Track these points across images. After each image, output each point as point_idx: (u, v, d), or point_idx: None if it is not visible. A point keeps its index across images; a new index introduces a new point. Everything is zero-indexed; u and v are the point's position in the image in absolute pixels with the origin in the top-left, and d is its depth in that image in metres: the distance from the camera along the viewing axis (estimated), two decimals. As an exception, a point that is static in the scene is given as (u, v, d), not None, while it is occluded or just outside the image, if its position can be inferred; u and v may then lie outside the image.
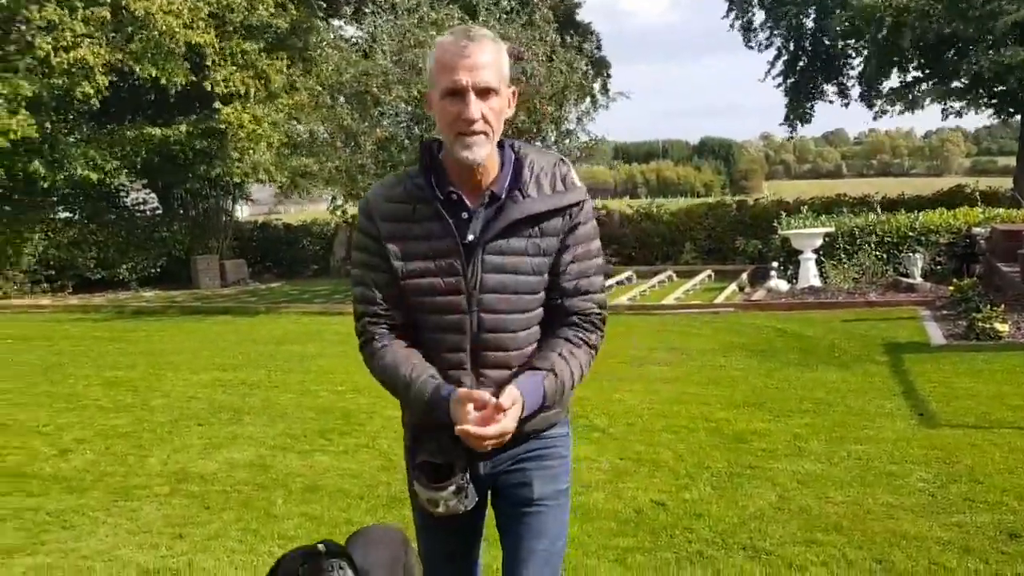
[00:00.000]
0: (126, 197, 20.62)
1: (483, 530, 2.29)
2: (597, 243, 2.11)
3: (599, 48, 28.23)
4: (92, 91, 16.38)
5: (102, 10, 16.20)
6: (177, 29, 16.46)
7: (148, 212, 21.01)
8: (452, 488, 2.00)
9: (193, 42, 16.58)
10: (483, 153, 1.95)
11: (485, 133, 1.94)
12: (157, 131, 17.92)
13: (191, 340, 11.47)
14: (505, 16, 14.78)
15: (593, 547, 4.06)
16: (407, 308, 2.07)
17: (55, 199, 19.04)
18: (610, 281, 16.56)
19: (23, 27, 15.80)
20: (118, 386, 8.43)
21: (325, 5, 21.16)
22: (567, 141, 15.54)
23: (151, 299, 17.25)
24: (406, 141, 14.06)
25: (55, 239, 18.57)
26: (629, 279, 17.12)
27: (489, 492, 2.19)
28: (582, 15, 28.99)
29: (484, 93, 1.93)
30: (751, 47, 24.98)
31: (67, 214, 19.31)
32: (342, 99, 13.96)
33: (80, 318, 14.60)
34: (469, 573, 2.28)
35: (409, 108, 14.01)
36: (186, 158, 18.40)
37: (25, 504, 5.03)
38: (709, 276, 16.68)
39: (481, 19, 14.78)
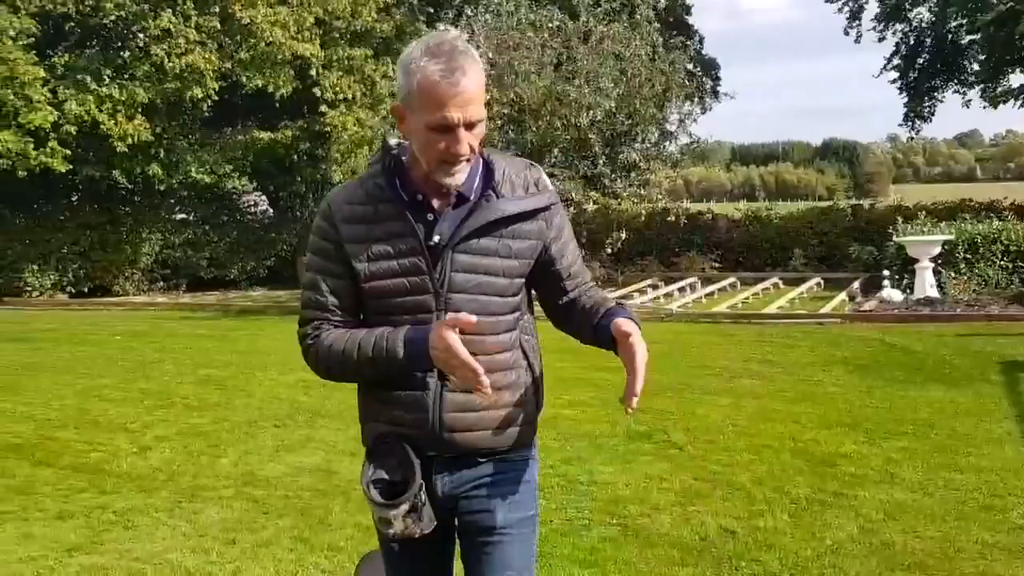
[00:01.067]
0: (238, 200, 21.30)
1: (452, 561, 2.15)
2: (573, 236, 2.12)
3: (700, 49, 27.51)
4: (202, 95, 16.99)
5: (213, 19, 16.76)
6: (283, 40, 16.89)
7: (259, 214, 21.67)
8: (405, 507, 1.90)
9: (299, 53, 16.99)
10: (464, 176, 1.91)
11: (468, 160, 1.89)
12: (265, 135, 18.50)
13: (286, 340, 11.62)
14: (606, 16, 14.54)
15: (647, 574, 3.79)
16: (358, 316, 2.01)
17: (172, 201, 19.85)
18: (711, 288, 16.07)
19: (140, 35, 16.49)
20: (208, 384, 8.61)
21: (432, 10, 21.40)
22: (668, 144, 15.16)
23: (257, 299, 17.77)
24: (499, 143, 13.96)
25: (171, 239, 19.38)
26: (732, 286, 16.57)
27: (454, 520, 2.07)
28: (696, 14, 28.40)
29: (472, 125, 1.86)
30: (857, 41, 23.62)
31: (182, 216, 20.06)
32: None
33: (187, 316, 15.13)
34: None
35: (504, 111, 13.91)
36: (292, 161, 18.90)
37: (96, 502, 5.11)
38: (818, 284, 15.94)
39: (581, 20, 14.59)
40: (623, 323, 1.90)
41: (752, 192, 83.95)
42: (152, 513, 4.88)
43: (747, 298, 14.71)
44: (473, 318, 1.81)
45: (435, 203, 1.94)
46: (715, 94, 28.86)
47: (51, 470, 5.78)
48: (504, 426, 1.98)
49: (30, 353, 11.16)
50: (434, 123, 1.83)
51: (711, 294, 15.65)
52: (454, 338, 1.78)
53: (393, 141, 2.01)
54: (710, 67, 28.15)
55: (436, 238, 1.92)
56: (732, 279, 16.92)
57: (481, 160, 1.97)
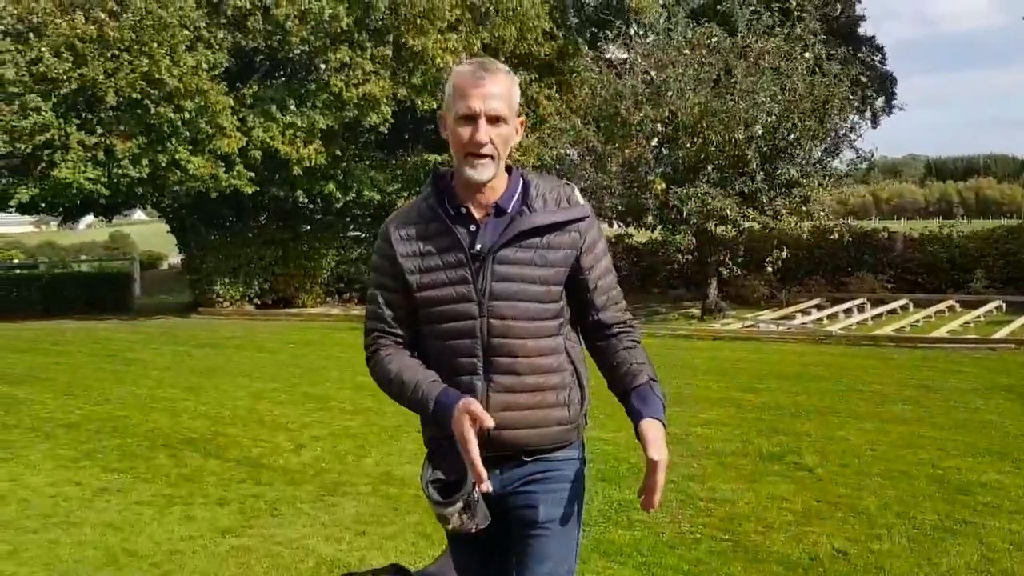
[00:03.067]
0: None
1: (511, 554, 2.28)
2: (608, 254, 2.24)
3: (877, 60, 26.26)
4: (378, 120, 18.06)
5: (386, 48, 17.78)
6: (453, 65, 17.66)
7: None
8: (459, 505, 2.05)
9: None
10: (488, 173, 2.11)
11: (492, 156, 2.10)
12: (435, 157, 19.37)
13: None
14: (765, 31, 14.30)
15: (748, 590, 3.82)
16: (413, 327, 2.22)
17: (347, 220, 21.11)
18: (880, 309, 15.37)
19: (322, 67, 17.72)
20: (363, 390, 9.17)
21: (595, 30, 21.73)
22: (831, 160, 14.66)
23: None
24: (653, 161, 14.01)
25: (346, 255, 20.64)
26: (904, 307, 15.77)
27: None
28: (883, 22, 27.21)
29: (494, 120, 2.08)
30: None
31: (356, 232, 21.28)
32: (590, 121, 14.19)
33: (356, 327, 15.99)
34: None
35: (660, 128, 13.95)
36: (458, 181, 19.63)
37: (251, 491, 5.64)
38: (999, 308, 14.92)
39: (740, 35, 14.42)
40: (650, 444, 2.01)
41: (949, 209, 78.80)
42: (297, 504, 5.34)
43: (918, 321, 13.97)
44: (490, 423, 1.98)
45: (476, 214, 2.14)
46: (889, 108, 27.56)
47: (218, 462, 6.41)
48: (546, 425, 2.13)
49: (214, 358, 12.25)
50: (459, 113, 2.08)
51: (879, 316, 14.97)
52: (468, 430, 1.97)
53: (443, 169, 2.27)
54: (884, 79, 26.89)
55: (478, 246, 2.11)
56: (904, 300, 16.09)
57: (521, 179, 2.19)
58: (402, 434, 7.11)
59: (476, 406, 2.00)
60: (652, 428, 2.04)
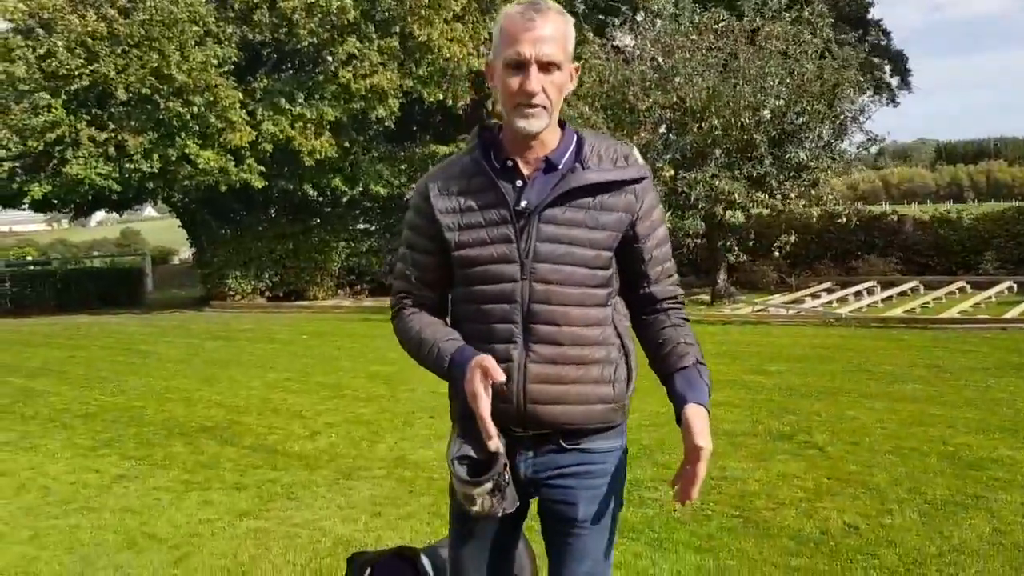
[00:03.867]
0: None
1: (519, 542, 2.22)
2: (665, 225, 2.08)
3: (884, 43, 26.11)
4: (386, 113, 18.12)
5: (393, 39, 17.81)
6: (460, 56, 17.70)
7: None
8: (489, 484, 1.87)
9: (475, 68, 17.74)
10: (540, 125, 1.91)
11: (544, 107, 1.90)
12: (443, 148, 19.42)
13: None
14: (772, 15, 14.26)
15: (760, 563, 3.86)
16: (444, 290, 2.08)
17: (357, 212, 21.18)
18: (892, 291, 15.36)
19: (329, 59, 17.77)
20: (376, 379, 9.24)
21: (602, 17, 21.66)
22: (840, 142, 14.62)
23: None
24: (661, 147, 14.00)
25: (356, 247, 20.72)
26: (914, 289, 15.75)
27: (534, 502, 2.08)
28: (896, 7, 27.14)
29: (546, 67, 1.89)
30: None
31: (365, 225, 21.36)
32: (597, 108, 14.18)
33: (367, 318, 16.13)
34: None
35: (668, 113, 13.94)
36: (467, 172, 19.70)
37: (268, 476, 5.71)
38: (1010, 289, 14.88)
39: (747, 19, 14.39)
40: (697, 432, 1.87)
41: (960, 193, 78.29)
42: (313, 488, 5.41)
43: (928, 302, 13.95)
44: (501, 377, 1.84)
45: (524, 169, 1.96)
46: (906, 85, 27.42)
47: (234, 449, 6.48)
48: (588, 402, 1.95)
49: (227, 350, 12.35)
50: (509, 59, 1.88)
51: (889, 298, 14.97)
52: (479, 385, 1.83)
53: (490, 122, 2.07)
54: (897, 60, 26.76)
55: (524, 203, 1.93)
56: (914, 283, 16.07)
57: (575, 136, 2.00)
58: (415, 420, 7.18)
59: (490, 361, 1.85)
60: (698, 416, 1.88)
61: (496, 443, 1.87)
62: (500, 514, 1.92)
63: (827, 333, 11.44)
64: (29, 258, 32.56)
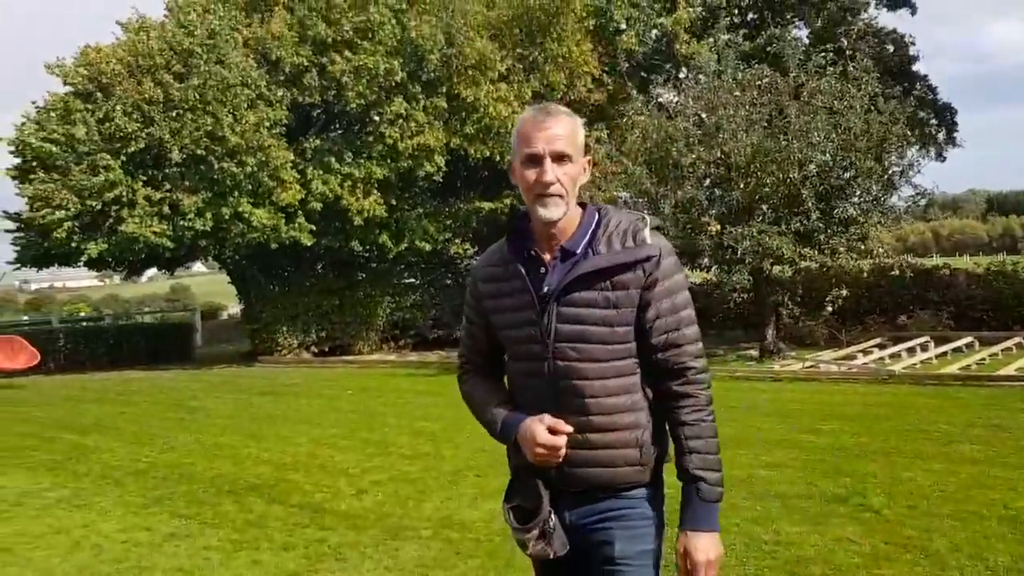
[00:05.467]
0: (461, 264, 22.58)
1: None
2: (684, 295, 2.20)
3: (931, 96, 25.97)
4: (432, 170, 18.42)
5: (440, 99, 18.17)
6: (505, 114, 17.99)
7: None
8: (535, 532, 2.14)
9: (519, 125, 17.99)
10: (558, 212, 2.16)
11: (560, 195, 2.15)
12: (487, 204, 19.63)
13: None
14: (817, 70, 14.29)
15: (818, 634, 3.75)
16: (495, 356, 2.39)
17: (401, 267, 21.40)
18: (945, 347, 15.02)
19: (376, 119, 18.16)
20: (421, 435, 9.24)
21: (644, 75, 21.91)
22: (889, 196, 14.47)
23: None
24: (706, 202, 13.99)
25: (400, 302, 20.90)
26: (969, 345, 15.38)
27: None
28: (940, 59, 27.12)
29: (559, 159, 2.14)
30: None
31: (410, 280, 21.55)
32: (641, 164, 14.24)
33: (412, 373, 16.20)
34: None
35: (712, 168, 13.95)
36: (511, 227, 19.86)
37: (315, 536, 5.72)
38: (1070, 343, 14.46)
39: (792, 75, 14.43)
40: (692, 554, 2.13)
41: (1013, 244, 76.79)
42: (361, 548, 5.40)
43: (984, 359, 13.61)
44: (569, 428, 2.13)
45: (546, 257, 2.20)
46: (952, 141, 27.19)
47: (282, 507, 6.51)
48: (615, 465, 2.16)
49: (274, 405, 12.46)
50: (524, 156, 2.16)
51: (944, 354, 14.62)
52: (541, 430, 2.14)
53: (524, 208, 2.32)
54: (944, 112, 26.56)
55: (545, 288, 2.17)
56: (969, 338, 15.69)
57: (595, 216, 2.21)
58: (461, 479, 7.15)
59: (550, 419, 2.15)
60: (692, 546, 2.13)
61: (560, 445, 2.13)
62: (551, 556, 2.17)
63: (880, 391, 11.20)
64: (82, 314, 33.36)
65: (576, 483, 2.18)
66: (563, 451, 2.13)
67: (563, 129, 2.15)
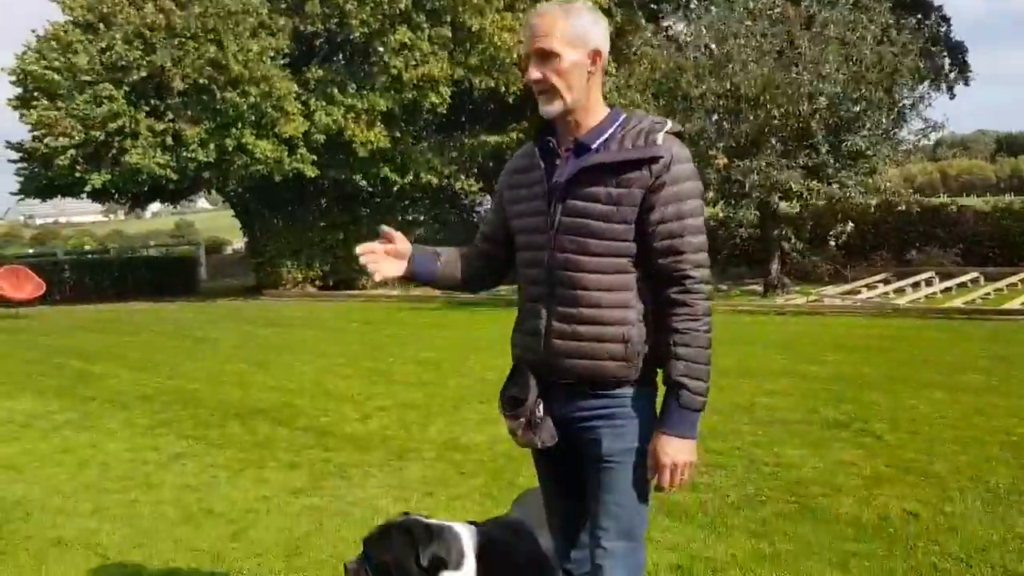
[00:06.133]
0: (464, 200, 22.46)
1: (584, 485, 2.31)
2: (692, 203, 2.14)
3: (945, 30, 25.45)
4: (438, 101, 18.19)
5: (444, 28, 17.85)
6: (511, 43, 17.69)
7: (484, 213, 22.73)
8: (522, 420, 2.22)
9: (526, 55, 17.73)
10: (553, 107, 2.18)
11: (548, 91, 2.16)
12: (492, 138, 19.42)
13: (499, 327, 12.15)
14: (828, 1, 13.98)
15: (817, 548, 3.80)
16: (495, 245, 2.47)
17: (406, 203, 21.29)
18: (950, 283, 15.00)
19: (380, 49, 17.87)
20: (426, 365, 9.29)
21: (655, 6, 21.48)
22: (899, 130, 14.29)
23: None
24: (714, 135, 13.82)
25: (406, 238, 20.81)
26: (975, 281, 15.36)
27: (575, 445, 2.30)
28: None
29: (543, 56, 2.15)
30: None
31: (415, 215, 21.45)
32: (649, 97, 14.04)
33: (416, 307, 16.23)
34: (575, 518, 2.38)
35: (721, 101, 13.75)
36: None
37: (320, 456, 5.77)
38: (1076, 280, 14.41)
39: (803, 5, 14.13)
40: (658, 454, 2.15)
41: (1021, 186, 76.15)
42: (366, 468, 5.45)
43: (989, 293, 13.60)
44: (396, 235, 2.32)
45: (562, 151, 2.23)
46: (964, 79, 26.78)
47: (287, 430, 6.57)
48: (599, 359, 2.16)
49: (279, 336, 12.52)
50: (524, 57, 2.22)
51: (948, 290, 14.62)
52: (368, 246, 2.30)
53: None
54: (956, 50, 26.09)
55: (555, 179, 2.21)
56: (974, 274, 15.66)
57: (620, 117, 2.22)
58: (465, 405, 7.19)
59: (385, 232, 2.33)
60: (660, 448, 2.14)
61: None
62: (539, 446, 2.24)
63: (885, 324, 11.20)
64: (88, 247, 33.39)
65: (563, 374, 2.20)
66: (375, 261, 2.28)
67: (547, 26, 2.14)
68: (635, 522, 2.20)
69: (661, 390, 2.24)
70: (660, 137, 2.13)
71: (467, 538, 2.52)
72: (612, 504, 2.18)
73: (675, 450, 2.11)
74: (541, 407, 2.22)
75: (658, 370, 2.24)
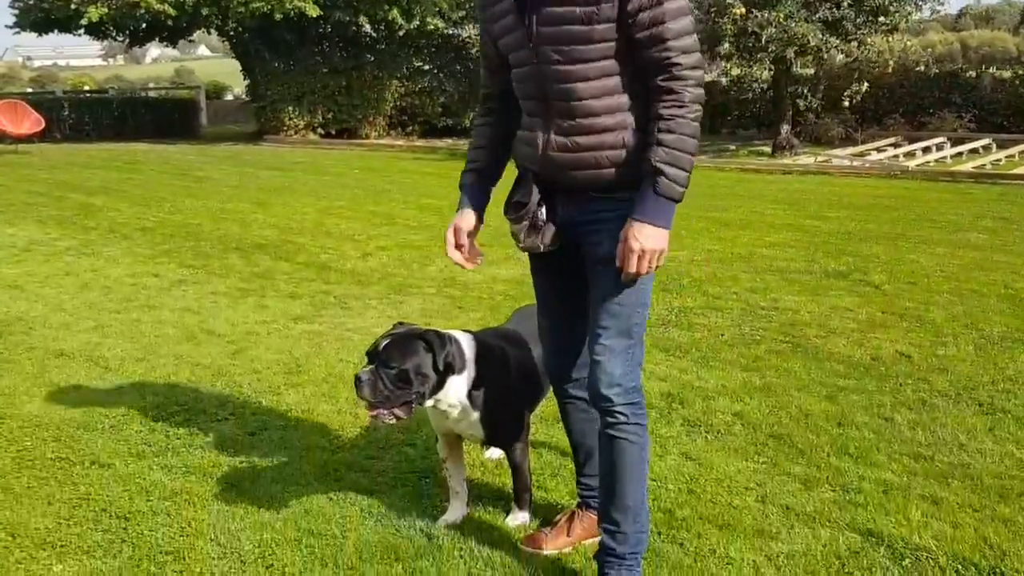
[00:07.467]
0: (473, 49, 21.81)
1: (580, 291, 2.33)
2: (675, 16, 2.01)
3: None
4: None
5: None
6: None
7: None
8: (525, 223, 2.23)
9: None
10: None
11: None
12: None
13: (507, 179, 12.15)
14: None
15: (807, 383, 3.86)
16: (504, 75, 2.30)
17: (411, 50, 20.68)
18: (962, 148, 14.77)
19: None
20: (427, 210, 9.25)
21: None
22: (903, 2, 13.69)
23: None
24: None
25: (409, 87, 20.36)
26: (986, 147, 15.11)
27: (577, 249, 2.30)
28: None
29: None
30: None
31: (421, 64, 20.88)
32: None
33: (419, 158, 16.05)
34: (563, 329, 2.45)
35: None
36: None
37: (321, 289, 5.81)
38: (1089, 149, 14.17)
39: None
40: (628, 239, 2.07)
41: (1044, 57, 73.96)
42: (365, 300, 5.50)
43: (999, 159, 13.40)
44: (470, 265, 2.42)
45: None
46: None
47: (287, 264, 6.60)
48: (600, 166, 2.13)
49: (281, 179, 12.43)
50: None
51: (959, 155, 14.40)
52: (451, 244, 2.39)
53: None
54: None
55: None
56: (986, 140, 15.38)
57: None
58: (467, 246, 7.18)
59: (459, 224, 2.38)
60: (630, 228, 2.07)
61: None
62: (542, 249, 2.26)
63: (891, 184, 11.09)
64: (87, 87, 32.73)
65: (564, 180, 2.19)
66: (463, 260, 2.39)
67: None
68: (634, 320, 2.20)
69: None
70: None
71: (467, 344, 2.55)
72: (613, 303, 2.18)
73: (645, 237, 2.04)
74: (544, 211, 2.24)
75: None
